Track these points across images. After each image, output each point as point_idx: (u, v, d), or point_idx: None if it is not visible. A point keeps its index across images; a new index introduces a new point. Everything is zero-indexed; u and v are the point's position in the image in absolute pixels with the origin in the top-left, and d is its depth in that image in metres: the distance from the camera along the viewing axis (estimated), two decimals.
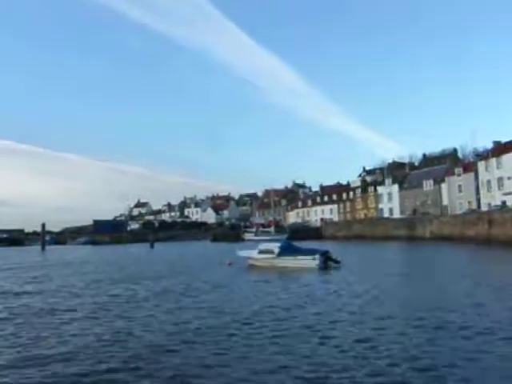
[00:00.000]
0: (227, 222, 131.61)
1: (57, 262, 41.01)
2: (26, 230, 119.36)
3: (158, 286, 21.17)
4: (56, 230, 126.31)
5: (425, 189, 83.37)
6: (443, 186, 79.95)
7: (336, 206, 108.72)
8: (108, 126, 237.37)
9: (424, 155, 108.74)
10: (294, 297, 16.94)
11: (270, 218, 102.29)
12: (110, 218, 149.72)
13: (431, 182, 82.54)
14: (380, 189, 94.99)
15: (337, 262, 28.34)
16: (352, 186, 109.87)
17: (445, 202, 79.07)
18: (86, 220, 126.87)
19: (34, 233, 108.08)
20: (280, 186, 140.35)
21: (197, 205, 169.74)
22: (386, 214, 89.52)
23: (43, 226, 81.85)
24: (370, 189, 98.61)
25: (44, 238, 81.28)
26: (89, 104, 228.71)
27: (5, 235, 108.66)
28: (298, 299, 16.26)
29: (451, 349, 9.42)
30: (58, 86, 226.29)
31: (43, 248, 74.71)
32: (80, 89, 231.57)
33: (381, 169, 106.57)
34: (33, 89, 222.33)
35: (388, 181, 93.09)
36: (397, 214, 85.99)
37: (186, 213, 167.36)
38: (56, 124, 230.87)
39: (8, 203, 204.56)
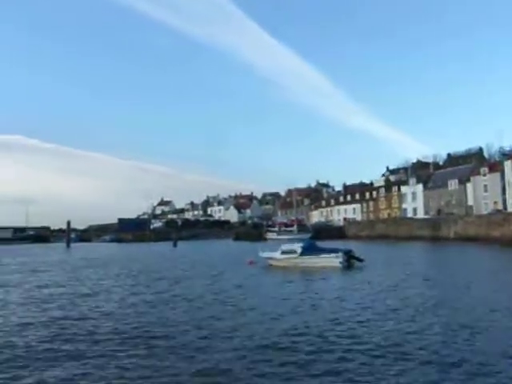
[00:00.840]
0: (249, 221, 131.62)
1: (94, 260, 41.18)
2: (52, 228, 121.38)
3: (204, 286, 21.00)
4: (81, 227, 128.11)
5: (449, 189, 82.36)
6: (468, 185, 78.88)
7: (359, 205, 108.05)
8: (132, 125, 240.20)
9: (449, 155, 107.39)
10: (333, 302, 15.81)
11: (293, 218, 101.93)
12: (134, 216, 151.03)
13: (456, 181, 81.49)
14: (404, 188, 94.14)
15: (360, 260, 28.17)
16: (375, 185, 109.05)
17: (470, 202, 78.00)
18: (111, 218, 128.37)
19: (60, 230, 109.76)
20: (303, 185, 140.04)
21: (220, 203, 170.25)
22: (410, 214, 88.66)
23: (68, 223, 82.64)
24: (394, 188, 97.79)
25: (69, 235, 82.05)
26: (114, 103, 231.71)
27: (31, 232, 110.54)
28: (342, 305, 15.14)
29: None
30: (83, 85, 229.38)
31: (68, 245, 75.35)
32: (105, 88, 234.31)
33: (405, 168, 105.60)
34: (58, 88, 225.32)
35: (412, 180, 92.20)
36: (421, 214, 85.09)
37: (208, 211, 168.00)
38: (81, 123, 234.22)
39: (35, 201, 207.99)
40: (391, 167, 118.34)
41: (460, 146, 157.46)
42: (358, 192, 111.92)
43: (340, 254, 27.39)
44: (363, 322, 12.34)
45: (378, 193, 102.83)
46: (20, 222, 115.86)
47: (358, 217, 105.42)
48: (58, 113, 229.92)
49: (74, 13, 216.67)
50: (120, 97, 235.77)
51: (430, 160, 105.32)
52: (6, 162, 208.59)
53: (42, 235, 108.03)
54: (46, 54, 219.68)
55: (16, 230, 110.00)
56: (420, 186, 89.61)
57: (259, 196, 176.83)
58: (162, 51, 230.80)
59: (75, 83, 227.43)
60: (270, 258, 30.83)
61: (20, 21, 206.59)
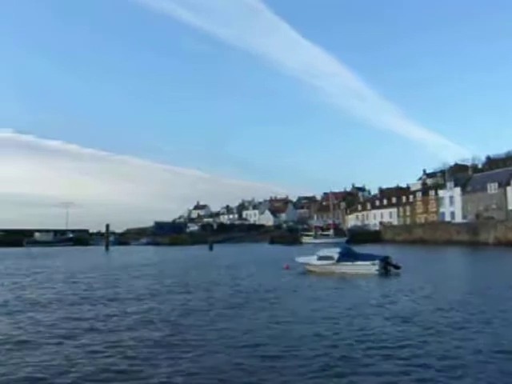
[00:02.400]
0: (285, 225, 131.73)
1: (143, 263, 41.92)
2: (91, 231, 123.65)
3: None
4: (119, 230, 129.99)
5: (489, 192, 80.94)
6: (508, 189, 77.41)
7: (395, 209, 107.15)
8: (169, 130, 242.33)
9: (488, 157, 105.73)
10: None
11: (329, 221, 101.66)
12: (170, 219, 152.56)
13: (496, 185, 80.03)
14: (441, 192, 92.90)
15: (397, 267, 27.90)
16: (412, 189, 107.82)
17: (510, 206, 76.52)
18: (148, 221, 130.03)
19: (98, 233, 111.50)
20: (339, 188, 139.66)
21: (255, 207, 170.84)
22: (448, 219, 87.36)
23: (107, 226, 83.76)
24: (431, 192, 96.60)
25: (108, 238, 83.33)
26: (149, 107, 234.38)
27: (71, 235, 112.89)
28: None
29: None
30: (119, 89, 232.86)
31: (107, 248, 76.47)
32: (140, 92, 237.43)
33: (442, 172, 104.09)
34: (95, 93, 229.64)
35: (450, 184, 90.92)
36: (459, 219, 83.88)
37: (244, 215, 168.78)
38: (118, 128, 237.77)
39: (74, 204, 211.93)
40: (428, 170, 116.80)
41: (500, 149, 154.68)
42: (394, 196, 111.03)
43: (377, 262, 27.23)
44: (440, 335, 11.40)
45: (414, 197, 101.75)
46: (60, 225, 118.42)
47: (395, 221, 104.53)
48: (96, 118, 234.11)
49: (106, 17, 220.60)
50: (156, 101, 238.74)
51: (469, 163, 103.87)
52: (47, 166, 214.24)
53: (81, 238, 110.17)
54: (83, 57, 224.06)
55: (56, 232, 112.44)
56: (458, 190, 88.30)
57: (294, 200, 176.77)
58: (195, 53, 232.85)
59: (112, 88, 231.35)
60: (307, 264, 30.87)
61: (63, 26, 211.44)
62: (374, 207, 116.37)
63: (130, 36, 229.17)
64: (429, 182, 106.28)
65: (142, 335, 11.66)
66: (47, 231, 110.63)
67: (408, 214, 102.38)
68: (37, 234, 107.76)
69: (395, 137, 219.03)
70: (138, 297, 18.88)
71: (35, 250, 77.00)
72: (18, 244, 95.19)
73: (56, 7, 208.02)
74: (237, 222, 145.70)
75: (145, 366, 9.07)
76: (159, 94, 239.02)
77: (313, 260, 30.40)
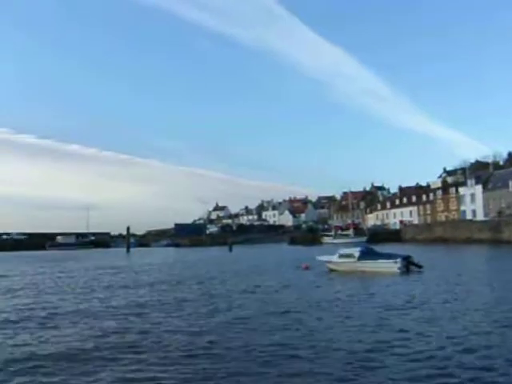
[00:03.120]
0: (304, 225, 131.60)
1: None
2: (112, 233, 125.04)
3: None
4: (139, 232, 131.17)
5: (511, 189, 79.97)
6: None
7: (416, 208, 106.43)
8: (187, 132, 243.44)
9: (510, 154, 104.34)
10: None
11: (349, 221, 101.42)
12: (190, 221, 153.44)
13: None
14: (462, 190, 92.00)
15: (419, 266, 27.78)
16: (432, 187, 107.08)
17: None
18: (168, 223, 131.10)
19: (120, 235, 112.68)
20: (358, 188, 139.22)
21: (274, 208, 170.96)
22: (469, 217, 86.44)
23: (128, 229, 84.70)
24: (452, 190, 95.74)
25: (129, 240, 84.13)
26: (168, 110, 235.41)
27: (92, 238, 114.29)
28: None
29: None
30: (136, 92, 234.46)
31: (128, 250, 77.15)
32: (159, 95, 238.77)
33: (462, 169, 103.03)
34: (113, 96, 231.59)
35: (470, 181, 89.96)
36: (480, 217, 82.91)
37: (263, 216, 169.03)
38: (136, 131, 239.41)
39: (96, 207, 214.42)
40: (448, 168, 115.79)
41: None
42: (414, 194, 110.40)
43: (399, 260, 27.09)
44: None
45: (434, 195, 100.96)
46: (81, 228, 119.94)
47: (415, 220, 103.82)
48: (114, 121, 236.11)
49: (125, 20, 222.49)
50: (174, 104, 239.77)
51: (490, 160, 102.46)
52: (67, 170, 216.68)
53: (102, 240, 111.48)
54: (101, 60, 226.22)
55: (78, 235, 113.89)
56: (479, 187, 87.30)
57: (314, 200, 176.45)
58: (215, 57, 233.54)
59: (129, 91, 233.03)
60: (328, 262, 30.94)
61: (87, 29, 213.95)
62: (393, 206, 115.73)
63: (148, 39, 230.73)
64: (449, 179, 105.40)
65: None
66: (69, 234, 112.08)
67: (428, 212, 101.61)
68: (59, 238, 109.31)
69: (414, 135, 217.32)
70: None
71: (58, 253, 78.01)
72: (41, 247, 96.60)
73: (77, 12, 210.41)
74: (256, 223, 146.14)
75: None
76: (178, 97, 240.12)
77: (334, 258, 30.48)
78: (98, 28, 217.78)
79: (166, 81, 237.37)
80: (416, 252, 35.74)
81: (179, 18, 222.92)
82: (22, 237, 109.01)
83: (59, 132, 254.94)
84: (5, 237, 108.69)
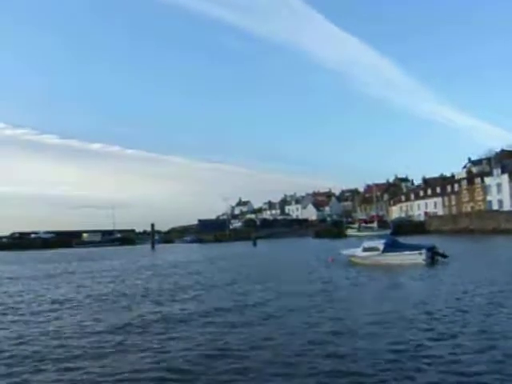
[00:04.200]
0: (329, 219, 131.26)
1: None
2: (137, 230, 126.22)
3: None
4: (164, 229, 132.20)
5: None
6: None
7: (440, 199, 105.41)
8: (209, 128, 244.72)
9: None
10: None
11: (373, 214, 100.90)
12: (214, 217, 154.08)
13: None
14: (488, 180, 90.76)
15: (445, 256, 27.58)
16: (457, 177, 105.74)
17: None
18: (191, 219, 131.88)
19: (144, 232, 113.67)
20: (382, 180, 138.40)
21: (297, 202, 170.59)
22: (495, 207, 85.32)
23: (152, 225, 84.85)
24: (477, 180, 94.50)
25: (153, 237, 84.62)
26: (190, 107, 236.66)
27: (118, 235, 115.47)
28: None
29: None
30: (160, 88, 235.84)
31: (153, 247, 77.67)
32: (182, 92, 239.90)
33: (488, 159, 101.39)
34: (136, 94, 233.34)
35: (497, 171, 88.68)
36: (507, 207, 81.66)
37: (286, 210, 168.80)
38: (159, 128, 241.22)
39: (121, 204, 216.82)
40: (473, 158, 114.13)
41: None
42: (438, 185, 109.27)
43: (424, 251, 26.96)
44: None
45: (459, 185, 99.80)
46: (107, 226, 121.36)
47: (440, 211, 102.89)
48: (137, 119, 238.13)
49: (148, 19, 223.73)
50: (196, 100, 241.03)
51: None
52: (92, 169, 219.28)
53: (127, 238, 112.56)
54: (123, 59, 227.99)
55: (104, 233, 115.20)
56: (506, 177, 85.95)
57: (337, 193, 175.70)
58: (235, 52, 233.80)
59: (153, 87, 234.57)
60: (352, 256, 30.95)
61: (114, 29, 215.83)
62: (417, 198, 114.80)
63: (168, 36, 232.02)
64: (474, 169, 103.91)
65: None
66: (95, 232, 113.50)
67: (453, 203, 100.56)
68: (85, 235, 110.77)
69: (438, 125, 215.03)
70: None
71: (85, 250, 79.01)
72: (68, 245, 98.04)
73: (98, 9, 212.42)
74: (279, 217, 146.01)
75: None
76: (199, 93, 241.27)
77: (358, 252, 30.44)
78: (118, 25, 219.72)
79: (187, 77, 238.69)
80: (441, 243, 35.32)
81: (198, 14, 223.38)
82: (50, 235, 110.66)
83: (82, 131, 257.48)
84: (33, 236, 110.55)
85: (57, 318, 14.38)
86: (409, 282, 20.33)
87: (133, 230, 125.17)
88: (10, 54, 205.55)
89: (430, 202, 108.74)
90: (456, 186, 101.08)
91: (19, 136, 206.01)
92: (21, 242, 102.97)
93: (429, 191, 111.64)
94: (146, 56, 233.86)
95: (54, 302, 18.23)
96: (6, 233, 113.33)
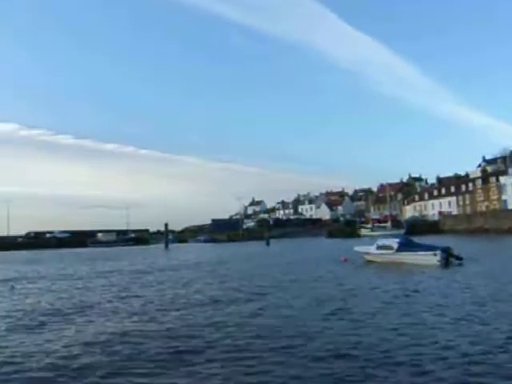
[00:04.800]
0: (342, 218, 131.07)
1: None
2: (150, 230, 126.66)
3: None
4: (178, 229, 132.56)
5: None
6: None
7: (454, 198, 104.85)
8: (222, 128, 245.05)
9: None
10: None
11: (386, 213, 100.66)
12: (227, 216, 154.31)
13: None
14: (503, 179, 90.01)
15: (459, 258, 27.26)
16: (471, 176, 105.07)
17: None
18: (205, 219, 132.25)
19: (158, 232, 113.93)
20: (395, 179, 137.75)
21: (310, 201, 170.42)
22: (510, 206, 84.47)
23: (166, 225, 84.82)
24: (492, 179, 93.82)
25: (167, 237, 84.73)
26: (203, 107, 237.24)
27: (132, 235, 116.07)
28: None
29: None
30: (173, 89, 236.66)
31: (167, 246, 77.88)
32: (194, 92, 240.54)
33: (503, 157, 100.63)
34: (149, 94, 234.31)
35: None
36: None
37: (299, 210, 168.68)
38: (172, 128, 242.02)
39: (135, 204, 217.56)
40: (488, 157, 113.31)
41: None
42: (452, 184, 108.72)
43: (438, 252, 26.58)
44: None
45: (474, 185, 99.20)
46: (121, 225, 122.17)
47: (454, 210, 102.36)
48: (150, 119, 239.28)
49: (160, 17, 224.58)
50: (209, 101, 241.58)
51: None
52: (106, 169, 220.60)
53: (142, 237, 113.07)
54: (137, 58, 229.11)
55: (119, 232, 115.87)
56: None
57: (351, 192, 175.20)
58: (246, 52, 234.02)
59: (166, 88, 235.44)
60: (366, 253, 30.86)
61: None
62: (431, 197, 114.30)
63: (179, 36, 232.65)
64: (489, 168, 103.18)
65: None
66: (110, 232, 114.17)
67: (468, 202, 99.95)
68: (99, 235, 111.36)
69: (452, 124, 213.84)
70: None
71: (101, 250, 79.43)
72: (83, 245, 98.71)
73: (111, 10, 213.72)
74: (293, 217, 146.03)
75: None
76: (211, 93, 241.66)
77: (372, 249, 30.36)
78: (132, 26, 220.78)
79: (200, 77, 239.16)
80: (456, 243, 35.22)
81: (210, 15, 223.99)
82: (65, 235, 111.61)
83: (96, 132, 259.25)
84: (48, 235, 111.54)
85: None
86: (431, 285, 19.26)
87: (147, 230, 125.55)
88: (25, 55, 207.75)
89: (444, 201, 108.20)
90: (470, 185, 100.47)
91: (34, 137, 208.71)
92: (36, 241, 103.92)
93: (443, 190, 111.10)
94: (160, 56, 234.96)
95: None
96: (22, 232, 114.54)
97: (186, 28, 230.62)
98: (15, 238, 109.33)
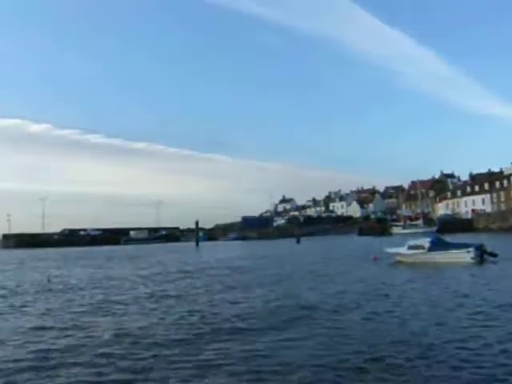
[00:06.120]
0: (373, 216, 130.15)
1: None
2: (181, 228, 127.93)
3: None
4: (208, 226, 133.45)
5: None
6: None
7: (488, 195, 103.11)
8: (252, 126, 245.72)
9: None
10: None
11: (418, 211, 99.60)
12: (257, 214, 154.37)
13: None
14: None
15: (494, 255, 26.81)
16: (506, 173, 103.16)
17: None
18: (235, 217, 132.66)
19: (188, 229, 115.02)
20: (427, 176, 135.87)
21: (341, 199, 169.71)
22: None
23: (197, 223, 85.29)
24: None
25: (198, 234, 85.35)
26: (232, 105, 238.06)
27: (163, 232, 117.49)
28: None
29: None
30: (202, 87, 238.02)
31: (197, 244, 78.37)
32: (223, 90, 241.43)
33: None
34: (178, 93, 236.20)
35: None
36: None
37: (330, 207, 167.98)
38: (201, 126, 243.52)
39: (166, 203, 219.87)
40: None
41: None
42: (486, 181, 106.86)
43: (472, 249, 26.27)
44: None
45: (509, 181, 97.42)
46: (152, 223, 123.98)
47: (488, 208, 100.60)
48: (179, 117, 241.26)
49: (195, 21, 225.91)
50: (239, 99, 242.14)
51: None
52: (136, 167, 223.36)
53: (172, 235, 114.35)
54: (168, 56, 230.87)
55: (150, 230, 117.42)
56: None
57: (382, 190, 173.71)
58: (276, 49, 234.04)
59: (195, 87, 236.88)
60: (397, 254, 30.62)
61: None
62: (464, 194, 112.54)
63: (210, 34, 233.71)
64: None
65: None
66: (141, 229, 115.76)
67: (502, 199, 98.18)
68: (132, 233, 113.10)
69: (485, 119, 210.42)
70: None
71: (134, 247, 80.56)
72: (115, 242, 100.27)
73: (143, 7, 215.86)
74: (324, 215, 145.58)
75: None
76: (241, 91, 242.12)
77: (403, 250, 30.09)
78: (163, 22, 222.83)
79: (229, 76, 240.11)
80: (490, 242, 34.43)
81: (239, 13, 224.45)
82: (98, 232, 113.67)
83: (126, 130, 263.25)
84: (82, 233, 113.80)
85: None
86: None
87: (177, 228, 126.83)
88: (71, 59, 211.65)
89: (478, 198, 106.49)
90: (505, 181, 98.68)
91: (67, 136, 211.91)
92: (70, 238, 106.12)
93: (476, 187, 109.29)
94: (188, 54, 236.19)
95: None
96: (56, 230, 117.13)
97: (216, 27, 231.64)
98: (51, 235, 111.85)
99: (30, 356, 9.62)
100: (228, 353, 9.48)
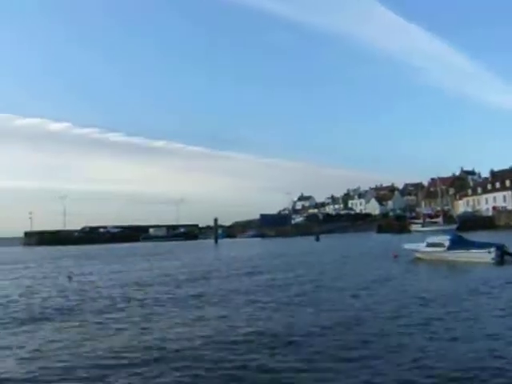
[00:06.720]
0: (392, 213, 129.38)
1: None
2: (200, 225, 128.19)
3: None
4: (226, 223, 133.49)
5: None
6: None
7: (510, 192, 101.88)
8: (269, 123, 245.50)
9: None
10: None
11: (438, 208, 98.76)
12: (275, 211, 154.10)
13: None
14: None
15: None
16: None
17: None
18: (253, 214, 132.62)
19: (207, 227, 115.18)
20: (447, 173, 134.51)
21: (360, 196, 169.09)
22: None
23: (215, 220, 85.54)
24: None
25: (217, 232, 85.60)
26: (248, 102, 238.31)
27: (182, 230, 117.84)
28: None
29: None
30: (219, 85, 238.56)
31: (216, 241, 78.60)
32: (240, 88, 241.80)
33: None
34: (196, 91, 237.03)
35: None
36: None
37: (349, 205, 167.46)
38: (220, 124, 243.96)
39: (185, 200, 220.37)
40: None
41: None
42: (507, 178, 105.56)
43: (493, 249, 25.64)
44: None
45: None
46: (171, 221, 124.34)
47: (509, 205, 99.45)
48: (198, 116, 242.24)
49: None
50: (255, 96, 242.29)
51: None
52: (156, 165, 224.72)
53: (191, 232, 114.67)
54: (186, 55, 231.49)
55: (169, 228, 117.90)
56: None
57: (401, 187, 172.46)
58: (287, 45, 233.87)
59: (212, 85, 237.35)
60: (415, 251, 30.36)
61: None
62: (485, 191, 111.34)
63: (223, 31, 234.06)
64: None
65: None
66: (160, 227, 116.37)
67: None
68: (151, 230, 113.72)
69: (506, 115, 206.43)
70: None
71: (153, 245, 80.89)
72: (134, 239, 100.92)
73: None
74: (342, 212, 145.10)
75: None
76: (257, 89, 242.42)
77: (422, 247, 29.84)
78: (178, 21, 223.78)
79: (246, 73, 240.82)
80: (510, 239, 33.94)
81: (252, 9, 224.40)
82: (117, 230, 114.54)
83: (146, 129, 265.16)
84: (102, 230, 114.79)
85: None
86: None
87: (196, 225, 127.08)
88: (86, 57, 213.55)
89: (499, 195, 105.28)
90: None
91: (87, 135, 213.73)
92: (90, 236, 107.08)
93: (497, 184, 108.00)
94: (211, 52, 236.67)
95: None
96: (77, 227, 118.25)
97: (229, 23, 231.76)
98: (72, 232, 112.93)
99: None
100: None
